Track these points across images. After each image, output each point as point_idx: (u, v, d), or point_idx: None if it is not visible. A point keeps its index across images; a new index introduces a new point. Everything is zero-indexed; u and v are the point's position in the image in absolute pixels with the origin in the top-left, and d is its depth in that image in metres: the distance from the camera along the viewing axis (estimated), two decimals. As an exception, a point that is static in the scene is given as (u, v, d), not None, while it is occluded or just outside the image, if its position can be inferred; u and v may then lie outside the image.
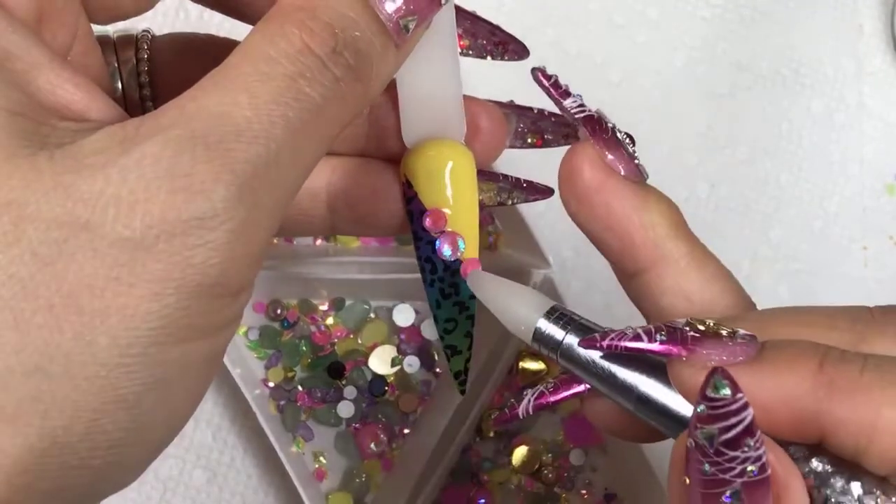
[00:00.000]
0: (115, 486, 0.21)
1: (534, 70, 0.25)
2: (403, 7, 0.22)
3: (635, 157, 0.25)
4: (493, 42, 0.27)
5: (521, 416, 0.25)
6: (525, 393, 0.25)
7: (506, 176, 0.28)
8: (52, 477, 0.19)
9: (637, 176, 0.25)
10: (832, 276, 0.53)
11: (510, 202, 0.28)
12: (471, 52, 0.27)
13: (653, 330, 0.22)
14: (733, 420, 0.19)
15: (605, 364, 0.23)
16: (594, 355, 0.23)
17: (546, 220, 0.50)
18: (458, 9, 0.25)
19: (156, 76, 0.27)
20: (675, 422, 0.23)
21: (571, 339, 0.23)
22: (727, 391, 0.19)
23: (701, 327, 0.22)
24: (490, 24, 0.27)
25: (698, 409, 0.19)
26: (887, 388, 0.20)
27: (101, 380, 0.19)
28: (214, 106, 0.19)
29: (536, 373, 0.50)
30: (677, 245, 0.25)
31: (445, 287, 0.26)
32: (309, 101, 0.20)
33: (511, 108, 0.28)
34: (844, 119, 0.54)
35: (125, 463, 0.20)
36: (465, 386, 0.27)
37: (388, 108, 0.26)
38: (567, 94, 0.25)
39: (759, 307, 0.25)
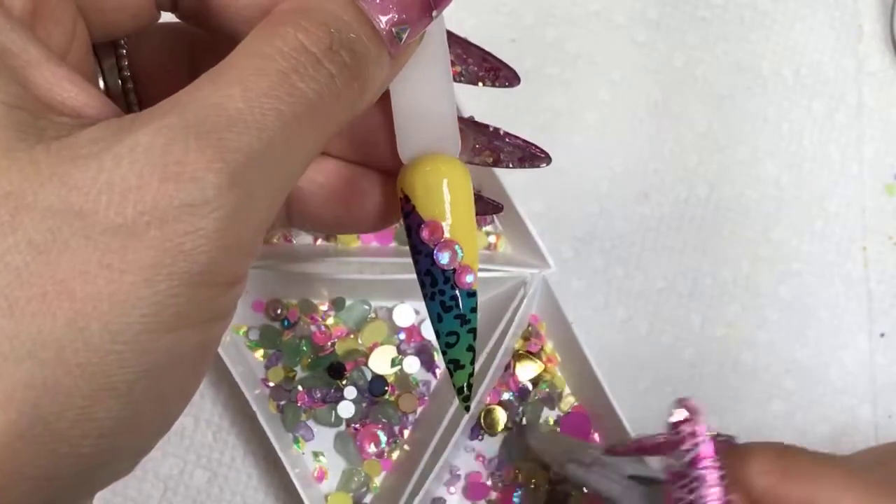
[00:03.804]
0: (107, 479, 0.21)
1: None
2: (396, 16, 0.22)
3: None
4: (485, 68, 0.27)
5: None
6: None
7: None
8: (43, 464, 0.19)
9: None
10: (832, 276, 0.53)
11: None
12: (462, 79, 0.27)
13: None
14: None
15: None
16: None
17: (546, 220, 0.50)
18: (450, 35, 0.26)
19: (139, 77, 0.27)
20: None
21: None
22: None
23: None
24: (481, 50, 0.27)
25: None
26: None
27: (93, 367, 0.19)
28: (208, 98, 0.20)
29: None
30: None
31: (446, 300, 0.26)
32: (301, 96, 0.21)
33: (468, 123, 0.28)
34: (844, 119, 0.54)
35: (116, 453, 0.20)
36: (470, 402, 0.26)
37: (381, 124, 0.27)
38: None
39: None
